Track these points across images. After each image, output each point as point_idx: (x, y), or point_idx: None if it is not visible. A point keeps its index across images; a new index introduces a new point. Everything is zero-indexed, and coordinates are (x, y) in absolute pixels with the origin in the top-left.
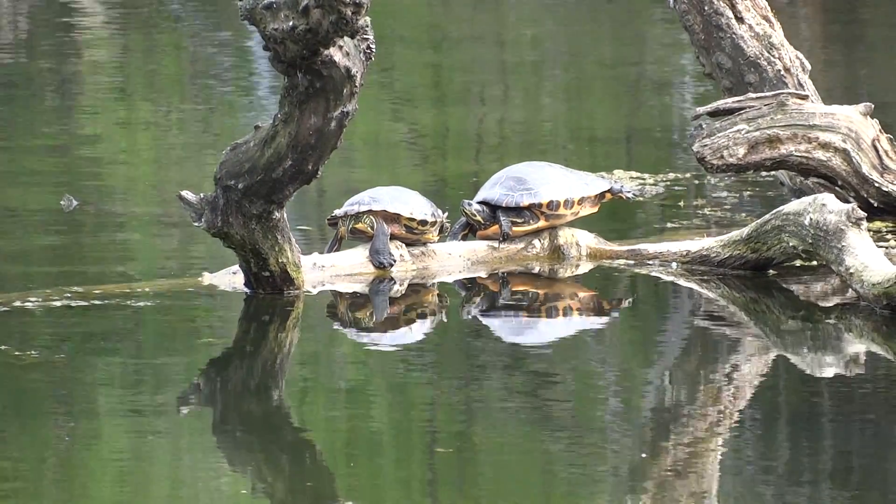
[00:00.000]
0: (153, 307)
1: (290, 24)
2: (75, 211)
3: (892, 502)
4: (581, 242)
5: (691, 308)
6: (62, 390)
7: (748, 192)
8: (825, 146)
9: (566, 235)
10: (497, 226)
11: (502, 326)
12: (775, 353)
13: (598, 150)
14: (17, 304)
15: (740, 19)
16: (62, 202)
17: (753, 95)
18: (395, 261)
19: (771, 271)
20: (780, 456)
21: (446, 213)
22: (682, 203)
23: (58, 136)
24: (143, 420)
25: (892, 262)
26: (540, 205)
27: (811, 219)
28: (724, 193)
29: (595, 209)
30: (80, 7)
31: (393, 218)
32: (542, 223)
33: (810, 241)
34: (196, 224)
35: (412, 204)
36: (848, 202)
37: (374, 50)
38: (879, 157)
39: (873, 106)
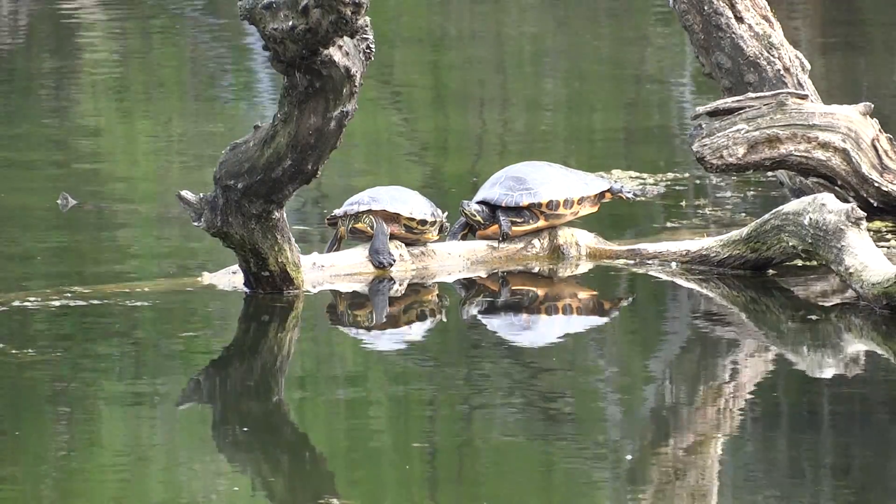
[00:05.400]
0: (152, 307)
1: (290, 23)
2: (73, 210)
3: (892, 502)
4: (581, 242)
5: (691, 308)
6: (60, 389)
7: (751, 192)
8: (825, 146)
9: (566, 235)
10: (497, 226)
11: (502, 326)
12: (775, 353)
13: (598, 149)
14: (17, 303)
15: (740, 19)
16: (59, 201)
17: (753, 95)
18: (394, 260)
19: (770, 271)
20: (780, 456)
21: (446, 213)
22: (683, 203)
23: (57, 134)
24: (142, 419)
25: (892, 262)
26: (539, 204)
27: (811, 218)
28: (728, 193)
29: (595, 209)
30: (80, 5)
31: (392, 218)
32: (541, 223)
33: (810, 240)
34: (195, 224)
35: (412, 204)
36: (847, 202)
37: (373, 50)
38: (879, 156)
39: (873, 106)
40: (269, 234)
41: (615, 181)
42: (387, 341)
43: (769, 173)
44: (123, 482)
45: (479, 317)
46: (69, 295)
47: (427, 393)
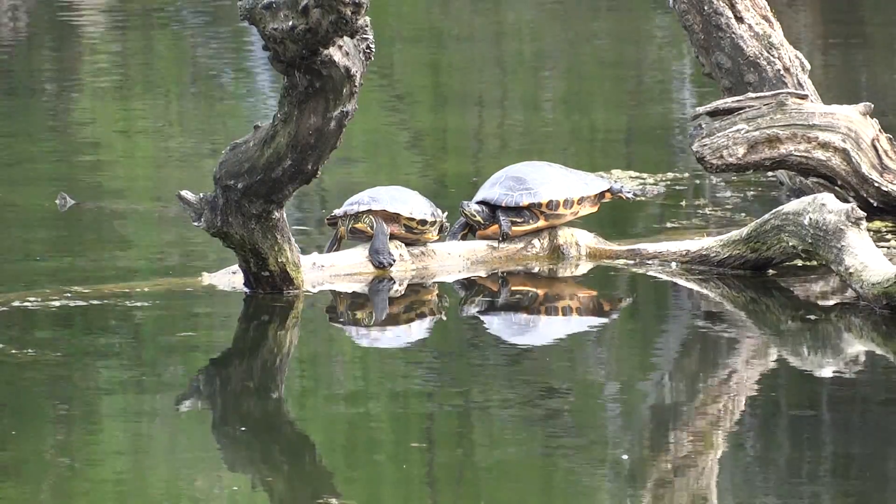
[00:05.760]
0: (152, 307)
1: (290, 23)
2: (73, 210)
3: (892, 502)
4: (581, 242)
5: (691, 308)
6: (59, 389)
7: (751, 192)
8: (825, 146)
9: (566, 235)
10: (496, 226)
11: (502, 326)
12: (775, 353)
13: (598, 149)
14: (17, 303)
15: (740, 19)
16: (57, 201)
17: (753, 95)
18: (394, 260)
19: (770, 271)
20: (780, 455)
21: (446, 213)
22: (683, 203)
23: (57, 134)
24: (142, 420)
25: (892, 262)
26: (539, 204)
27: (811, 218)
28: (728, 193)
29: (595, 209)
30: (80, 5)
31: (392, 217)
32: (541, 223)
33: (810, 240)
34: (196, 224)
35: (412, 203)
36: (847, 202)
37: (373, 50)
38: (879, 156)
39: (873, 106)
40: (269, 234)
41: (615, 181)
42: (386, 341)
43: (769, 173)
44: (123, 482)
45: (479, 317)
46: (69, 295)
47: (426, 393)
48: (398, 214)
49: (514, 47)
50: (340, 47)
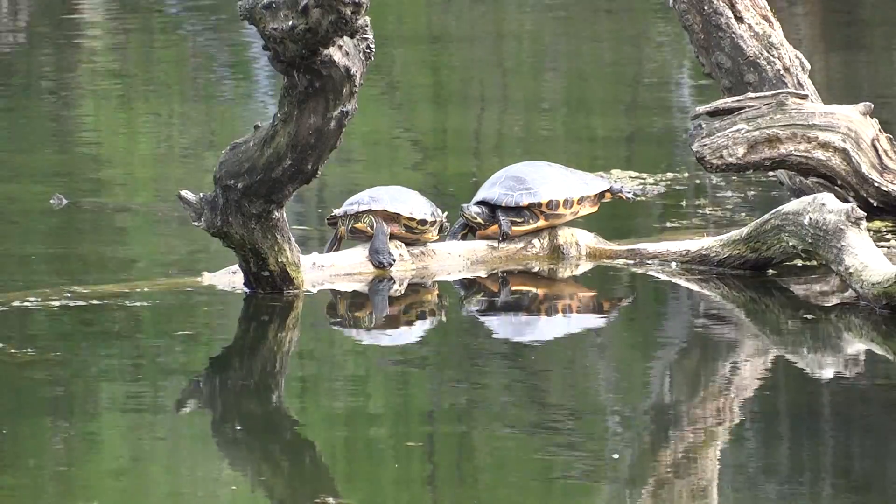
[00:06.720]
0: (152, 307)
1: (290, 23)
2: (73, 211)
3: (892, 502)
4: (581, 242)
5: (691, 308)
6: (59, 389)
7: (751, 192)
8: (825, 146)
9: (566, 235)
10: (496, 226)
11: (502, 326)
12: (775, 353)
13: (598, 149)
14: (17, 303)
15: (740, 19)
16: (52, 201)
17: (753, 95)
18: (394, 260)
19: (770, 271)
20: (780, 456)
21: (446, 213)
22: (683, 203)
23: (57, 134)
24: (141, 420)
25: (892, 262)
26: (539, 204)
27: (811, 218)
28: (728, 193)
29: (595, 209)
30: (80, 5)
31: (392, 217)
32: (541, 223)
33: (810, 240)
34: (195, 224)
35: (412, 203)
36: (847, 202)
37: (373, 49)
38: (879, 156)
39: (873, 105)
40: (269, 234)
41: (615, 181)
42: (386, 341)
43: (769, 173)
44: (122, 482)
45: (479, 317)
46: (69, 295)
47: (426, 393)
48: (398, 214)
49: (514, 47)
50: (340, 47)
